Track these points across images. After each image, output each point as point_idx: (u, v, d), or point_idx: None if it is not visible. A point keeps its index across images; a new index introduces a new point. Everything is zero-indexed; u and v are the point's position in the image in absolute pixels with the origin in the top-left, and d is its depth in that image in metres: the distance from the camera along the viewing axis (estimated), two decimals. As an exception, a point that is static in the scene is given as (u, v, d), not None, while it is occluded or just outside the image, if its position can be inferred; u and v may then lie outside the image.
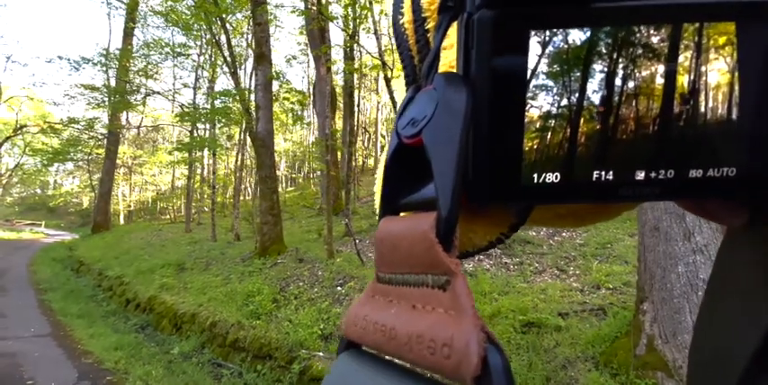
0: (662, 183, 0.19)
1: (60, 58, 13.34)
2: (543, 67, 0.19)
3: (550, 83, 0.20)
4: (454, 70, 0.22)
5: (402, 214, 0.24)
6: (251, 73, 14.69)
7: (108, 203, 18.70)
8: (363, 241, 8.58)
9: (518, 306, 3.78)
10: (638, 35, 0.19)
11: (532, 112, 0.20)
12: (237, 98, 8.82)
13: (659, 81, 0.19)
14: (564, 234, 6.73)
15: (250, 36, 16.57)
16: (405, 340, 0.18)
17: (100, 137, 17.94)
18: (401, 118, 0.23)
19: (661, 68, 0.19)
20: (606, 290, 4.19)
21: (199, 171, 17.82)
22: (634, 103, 0.19)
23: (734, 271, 0.25)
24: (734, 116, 0.19)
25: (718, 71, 0.19)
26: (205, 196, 21.99)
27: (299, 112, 8.67)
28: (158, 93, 15.98)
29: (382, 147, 32.44)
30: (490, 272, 5.30)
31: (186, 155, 13.30)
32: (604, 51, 0.19)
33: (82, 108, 33.82)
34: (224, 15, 9.55)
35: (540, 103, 0.20)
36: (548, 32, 0.19)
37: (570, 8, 0.19)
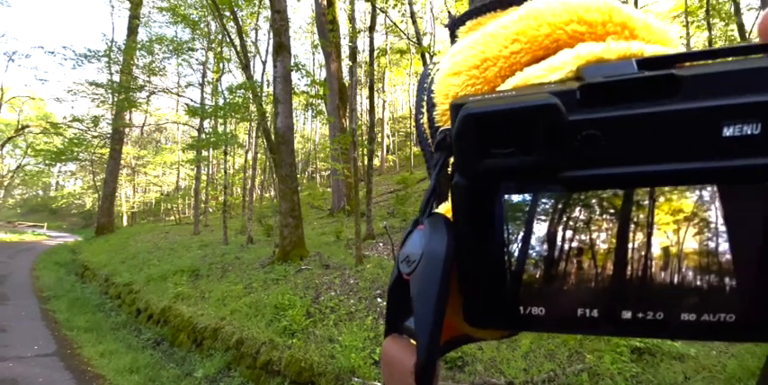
0: (651, 323, 0.19)
1: (65, 47, 12.73)
2: (516, 219, 0.21)
3: (523, 232, 0.21)
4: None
5: (405, 335, 0.25)
6: (261, 70, 14.22)
7: (112, 205, 18.11)
8: (387, 244, 8.00)
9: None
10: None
11: (513, 258, 0.21)
12: (251, 93, 8.22)
13: (637, 238, 0.19)
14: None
15: (254, 35, 16.06)
16: None
17: (106, 135, 17.35)
18: (403, 249, 0.25)
19: (623, 226, 0.19)
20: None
21: (205, 171, 17.18)
22: (615, 250, 0.19)
23: None
24: (723, 268, 0.18)
25: (698, 230, 0.18)
26: (210, 197, 21.41)
27: (320, 106, 8.13)
28: (164, 90, 15.41)
29: (388, 147, 31.91)
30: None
31: (194, 154, 12.73)
32: (572, 203, 0.20)
33: (85, 107, 33.33)
34: (234, 7, 8.96)
35: (519, 249, 0.21)
36: (516, 197, 0.20)
37: (541, 177, 0.20)
